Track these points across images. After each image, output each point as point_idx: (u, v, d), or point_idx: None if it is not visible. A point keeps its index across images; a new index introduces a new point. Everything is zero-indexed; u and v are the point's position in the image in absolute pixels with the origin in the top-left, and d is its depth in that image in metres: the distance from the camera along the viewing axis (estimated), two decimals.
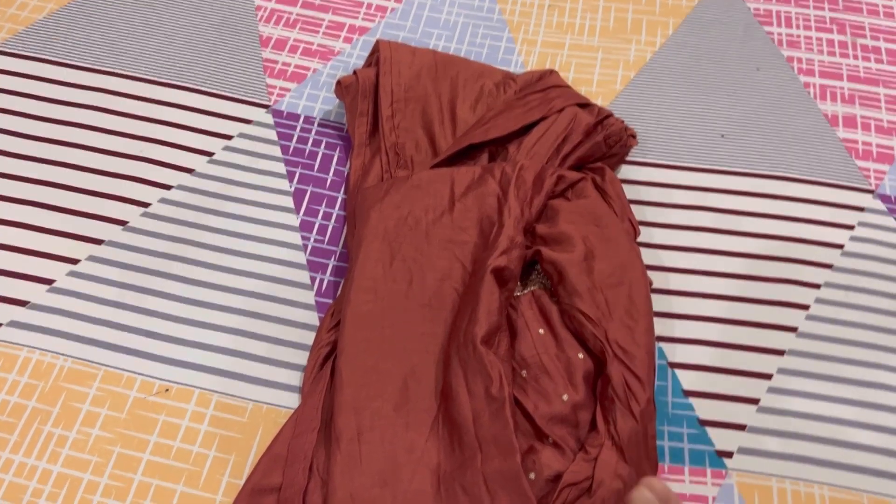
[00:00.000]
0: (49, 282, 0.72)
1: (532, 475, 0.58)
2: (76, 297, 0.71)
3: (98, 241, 0.75)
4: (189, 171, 0.80)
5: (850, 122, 0.86)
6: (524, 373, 0.63)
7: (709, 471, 0.64)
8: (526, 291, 0.68)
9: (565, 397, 0.62)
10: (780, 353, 0.70)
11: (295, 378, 0.67)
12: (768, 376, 0.69)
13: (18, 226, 0.75)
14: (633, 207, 0.77)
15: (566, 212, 0.70)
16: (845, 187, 0.81)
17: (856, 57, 0.92)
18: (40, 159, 0.80)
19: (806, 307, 0.73)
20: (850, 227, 0.78)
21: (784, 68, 0.91)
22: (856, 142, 0.84)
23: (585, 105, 0.78)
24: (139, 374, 0.67)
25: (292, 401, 0.66)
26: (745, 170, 0.82)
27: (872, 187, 0.81)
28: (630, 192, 0.78)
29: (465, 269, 0.67)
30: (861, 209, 0.79)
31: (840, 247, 0.77)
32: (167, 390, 0.67)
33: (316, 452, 0.61)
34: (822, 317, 0.72)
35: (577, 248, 0.67)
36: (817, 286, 0.74)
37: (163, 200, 0.78)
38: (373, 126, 0.79)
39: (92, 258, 0.74)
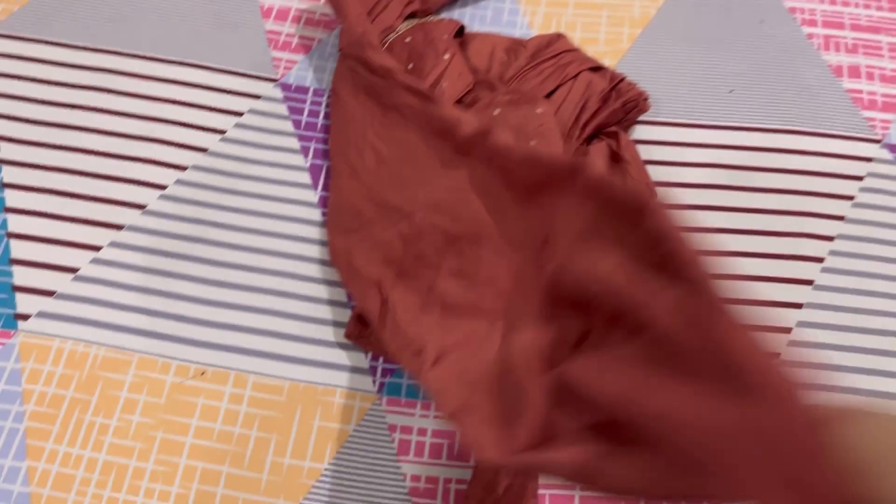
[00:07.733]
0: (73, 270, 0.72)
1: None
2: (102, 284, 0.71)
3: (118, 227, 0.74)
4: (202, 150, 0.79)
5: (854, 72, 0.87)
6: None
7: None
8: None
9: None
10: (798, 306, 0.72)
11: (329, 355, 0.68)
12: (787, 330, 0.71)
13: (36, 214, 0.74)
14: (648, 168, 0.77)
15: None
16: (853, 138, 0.82)
17: (856, 5, 0.92)
18: (48, 145, 0.79)
19: (821, 260, 0.74)
20: (860, 178, 0.79)
21: (787, 19, 0.91)
22: (861, 91, 0.85)
23: (598, 68, 0.78)
24: (173, 358, 0.68)
25: (328, 377, 0.67)
26: (756, 125, 0.82)
27: (879, 137, 0.82)
28: (643, 152, 0.79)
29: None
30: (869, 159, 0.81)
31: (850, 198, 0.78)
32: (203, 373, 0.67)
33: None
34: (838, 269, 0.74)
35: None
36: (831, 238, 0.75)
37: (179, 182, 0.77)
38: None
39: (114, 244, 0.73)
